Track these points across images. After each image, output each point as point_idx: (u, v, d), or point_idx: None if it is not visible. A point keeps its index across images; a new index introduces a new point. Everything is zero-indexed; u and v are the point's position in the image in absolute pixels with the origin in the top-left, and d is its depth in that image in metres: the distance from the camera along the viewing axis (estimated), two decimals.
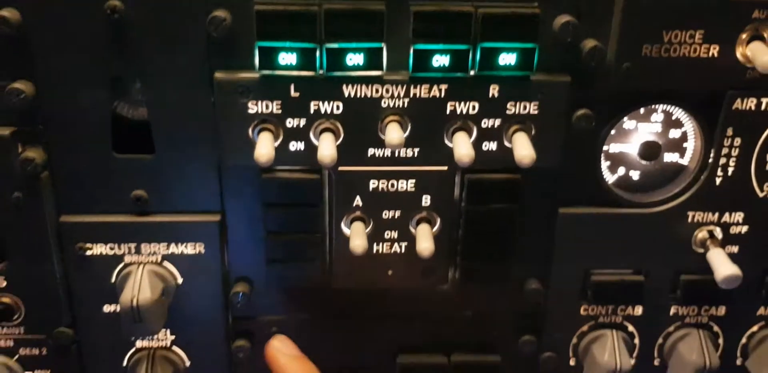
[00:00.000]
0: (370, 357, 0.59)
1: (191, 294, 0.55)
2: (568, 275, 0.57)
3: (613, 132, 0.54)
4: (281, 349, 0.56)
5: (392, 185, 0.52)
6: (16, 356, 0.56)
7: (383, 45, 0.47)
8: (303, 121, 0.49)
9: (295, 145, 0.50)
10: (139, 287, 0.51)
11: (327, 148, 0.47)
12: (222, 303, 0.55)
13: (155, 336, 0.56)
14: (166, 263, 0.54)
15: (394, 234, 0.54)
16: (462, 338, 0.59)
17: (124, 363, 0.57)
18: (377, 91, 0.48)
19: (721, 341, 0.60)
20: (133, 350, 0.56)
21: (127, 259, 0.53)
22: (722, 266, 0.53)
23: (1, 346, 0.55)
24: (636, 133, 0.54)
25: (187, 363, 0.57)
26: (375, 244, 0.54)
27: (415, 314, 0.58)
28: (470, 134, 0.50)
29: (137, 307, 0.50)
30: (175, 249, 0.53)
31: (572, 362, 0.60)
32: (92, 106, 0.49)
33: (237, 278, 0.55)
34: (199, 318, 0.56)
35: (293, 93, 0.48)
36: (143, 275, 0.52)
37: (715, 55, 0.49)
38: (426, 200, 0.53)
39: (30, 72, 0.48)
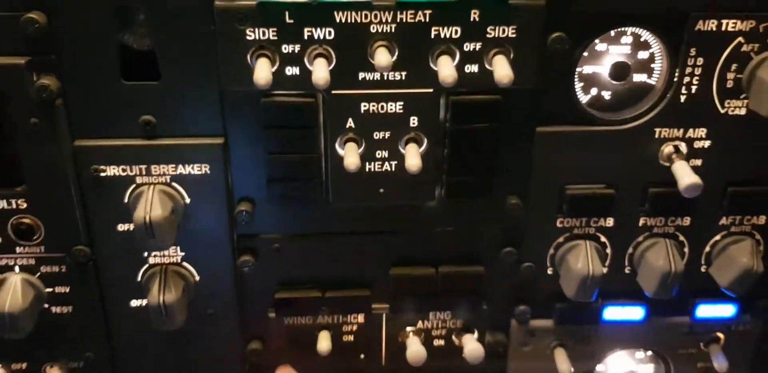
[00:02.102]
0: (365, 270, 0.64)
1: (198, 213, 0.59)
2: (545, 190, 0.62)
3: (585, 54, 0.58)
4: None
5: (382, 108, 0.56)
6: (38, 274, 0.60)
7: None
8: (297, 47, 0.53)
9: (291, 70, 0.54)
10: (151, 205, 0.55)
11: (321, 71, 0.51)
12: (227, 221, 0.60)
13: (166, 253, 0.61)
14: (175, 184, 0.58)
15: (385, 154, 0.58)
16: (449, 252, 0.64)
17: (138, 279, 0.61)
18: (366, 17, 0.52)
19: (686, 249, 0.65)
20: (146, 266, 0.61)
21: (138, 180, 0.57)
22: (685, 176, 0.57)
23: (24, 264, 0.59)
24: (607, 54, 0.59)
25: (197, 278, 0.62)
26: (367, 163, 0.58)
27: (406, 229, 0.63)
28: (453, 58, 0.54)
29: (150, 223, 0.54)
30: (183, 170, 0.57)
31: (549, 272, 0.65)
32: (100, 35, 0.53)
33: (240, 197, 0.59)
34: (207, 236, 0.60)
35: (288, 20, 0.52)
36: (154, 194, 0.56)
37: None
38: (414, 121, 0.57)
39: (42, 2, 0.51)
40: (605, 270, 0.64)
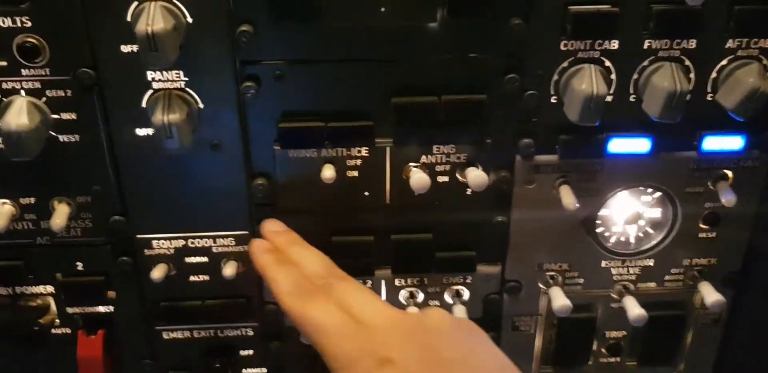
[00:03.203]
0: (368, 101, 0.64)
1: (201, 34, 0.59)
2: (548, 10, 0.61)
3: None
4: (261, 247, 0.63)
5: None
6: (44, 98, 0.60)
7: None
8: None
9: None
10: (153, 18, 0.55)
11: None
12: (228, 43, 0.60)
13: (170, 77, 0.61)
14: (176, 1, 0.58)
15: None
16: (451, 81, 0.64)
17: (144, 104, 0.61)
18: None
19: (692, 75, 0.65)
20: (150, 91, 0.61)
21: None
22: None
23: (30, 88, 0.60)
24: None
25: (201, 105, 0.62)
26: None
27: (408, 56, 0.63)
28: None
29: (152, 35, 0.54)
30: None
31: (553, 100, 0.65)
32: None
33: (242, 19, 0.59)
34: (210, 60, 0.60)
35: None
36: (156, 9, 0.56)
37: None
38: None
39: None
40: (610, 92, 0.64)
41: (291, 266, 0.61)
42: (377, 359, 0.50)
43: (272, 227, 0.67)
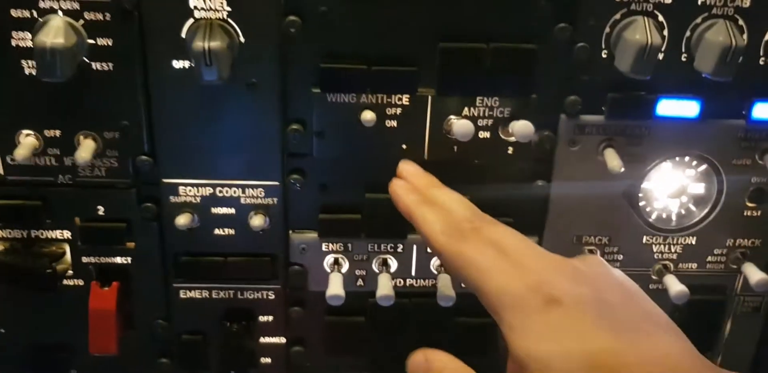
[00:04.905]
0: (413, 45, 0.62)
1: None
2: None
3: None
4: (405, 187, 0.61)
5: None
6: (81, 21, 0.58)
7: None
8: None
9: None
10: None
11: None
12: None
13: (212, 6, 0.59)
14: None
15: None
16: (501, 29, 0.62)
17: (183, 34, 0.59)
18: None
19: (745, 36, 0.63)
20: (191, 20, 0.59)
21: None
22: None
23: (68, 9, 0.58)
24: None
25: (242, 39, 0.60)
26: None
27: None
28: None
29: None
30: None
31: (604, 54, 0.63)
32: None
33: None
34: None
35: None
36: None
37: None
38: None
39: None
40: (662, 49, 0.62)
41: (438, 206, 0.58)
42: (544, 298, 0.47)
43: (410, 168, 0.64)
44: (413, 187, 0.62)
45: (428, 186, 0.62)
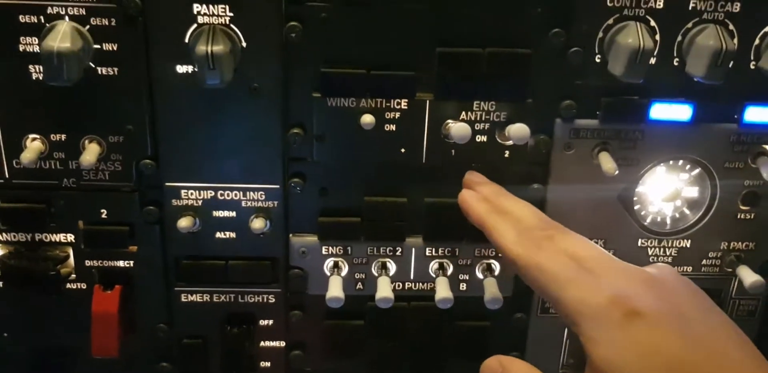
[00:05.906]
0: (411, 50, 0.63)
1: None
2: None
3: None
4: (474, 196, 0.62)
5: None
6: (88, 26, 0.60)
7: None
8: None
9: None
10: None
11: None
12: None
13: (215, 12, 0.60)
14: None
15: None
16: (496, 34, 0.63)
17: (186, 39, 0.61)
18: None
19: (735, 41, 0.65)
20: (195, 25, 0.61)
21: None
22: None
23: (74, 14, 0.59)
24: None
25: (244, 44, 0.62)
26: None
27: (454, 6, 0.63)
28: None
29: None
30: None
31: (597, 59, 0.65)
32: None
33: None
34: None
35: None
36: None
37: None
38: None
39: None
40: (654, 53, 0.64)
41: (508, 215, 0.59)
42: (625, 311, 0.47)
43: (476, 178, 0.65)
44: (482, 196, 0.63)
45: (496, 194, 0.63)
